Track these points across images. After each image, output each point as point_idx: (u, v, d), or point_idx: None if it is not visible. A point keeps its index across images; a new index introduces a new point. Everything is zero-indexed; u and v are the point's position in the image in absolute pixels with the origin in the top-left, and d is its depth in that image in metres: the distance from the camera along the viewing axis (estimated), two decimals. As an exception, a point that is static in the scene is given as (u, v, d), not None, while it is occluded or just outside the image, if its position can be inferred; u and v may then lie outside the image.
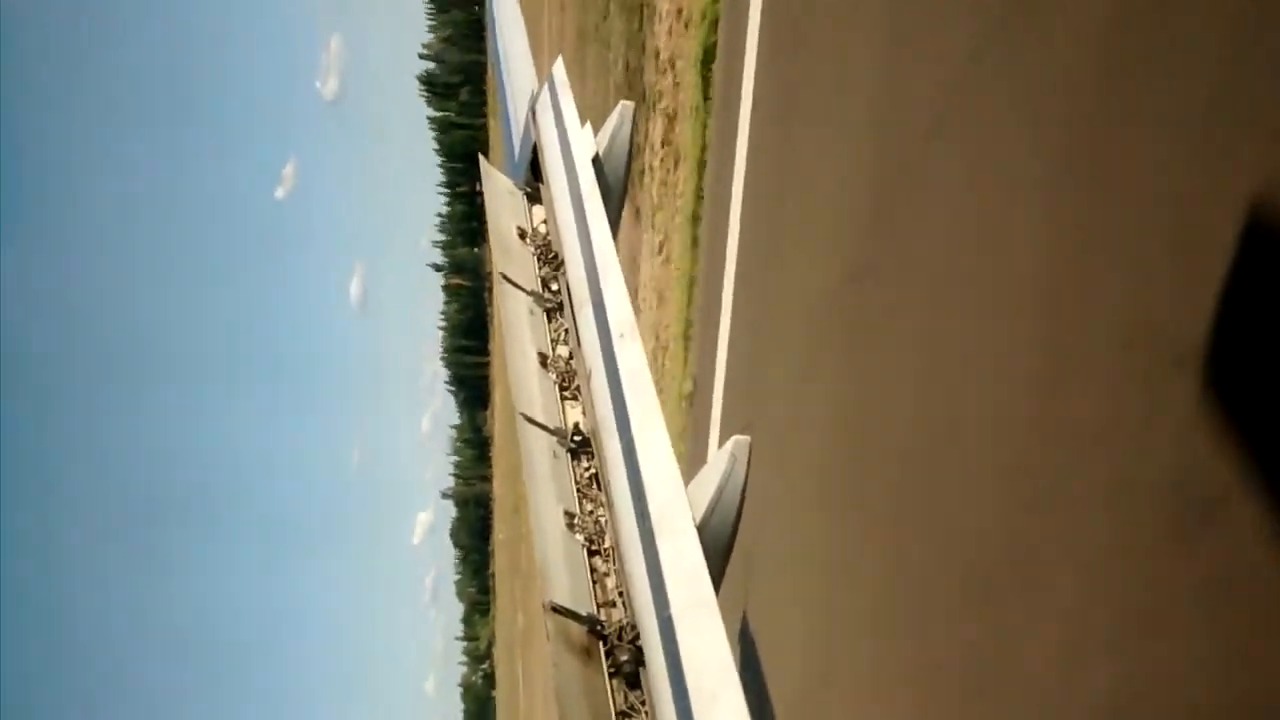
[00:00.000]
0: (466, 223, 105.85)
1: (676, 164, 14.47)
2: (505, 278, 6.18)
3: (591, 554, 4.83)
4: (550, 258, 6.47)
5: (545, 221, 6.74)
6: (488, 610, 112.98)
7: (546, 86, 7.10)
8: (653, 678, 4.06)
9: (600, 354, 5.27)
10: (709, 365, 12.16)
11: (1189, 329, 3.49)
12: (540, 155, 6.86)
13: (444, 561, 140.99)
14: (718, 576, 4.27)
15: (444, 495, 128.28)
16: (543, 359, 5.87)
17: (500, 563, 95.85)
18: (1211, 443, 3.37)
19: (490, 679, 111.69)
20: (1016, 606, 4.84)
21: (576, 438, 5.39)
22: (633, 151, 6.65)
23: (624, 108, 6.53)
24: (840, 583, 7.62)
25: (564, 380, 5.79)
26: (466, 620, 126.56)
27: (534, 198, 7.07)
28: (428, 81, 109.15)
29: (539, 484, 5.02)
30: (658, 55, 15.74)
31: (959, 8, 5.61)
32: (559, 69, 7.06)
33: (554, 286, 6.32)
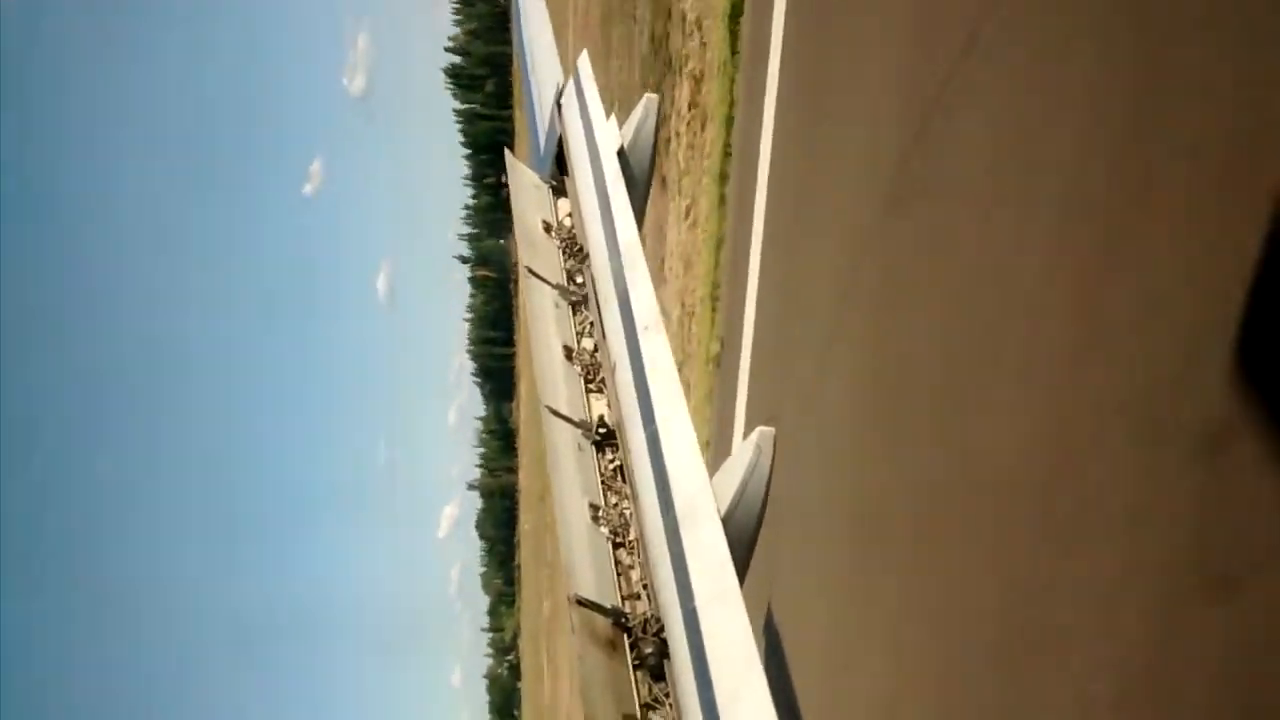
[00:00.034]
0: (492, 214, 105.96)
1: (703, 125, 14.38)
2: (531, 271, 6.21)
3: (616, 546, 4.85)
4: (575, 251, 6.49)
5: (570, 215, 6.76)
6: (513, 602, 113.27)
7: (571, 80, 7.12)
8: (677, 670, 4.08)
9: (625, 346, 5.28)
10: (736, 325, 11.99)
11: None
12: (565, 149, 6.87)
13: (470, 554, 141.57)
14: (742, 568, 4.27)
15: (470, 487, 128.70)
16: (568, 352, 5.89)
17: (525, 553, 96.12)
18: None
19: (515, 670, 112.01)
20: (1057, 573, 4.79)
21: (601, 430, 5.41)
22: (657, 144, 6.64)
23: (649, 100, 6.53)
24: (869, 540, 7.54)
25: (589, 373, 5.80)
26: (492, 612, 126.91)
27: (559, 191, 7.09)
28: (453, 74, 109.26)
29: (564, 477, 5.04)
30: (684, 18, 15.70)
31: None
32: (584, 62, 7.07)
33: (579, 279, 6.33)
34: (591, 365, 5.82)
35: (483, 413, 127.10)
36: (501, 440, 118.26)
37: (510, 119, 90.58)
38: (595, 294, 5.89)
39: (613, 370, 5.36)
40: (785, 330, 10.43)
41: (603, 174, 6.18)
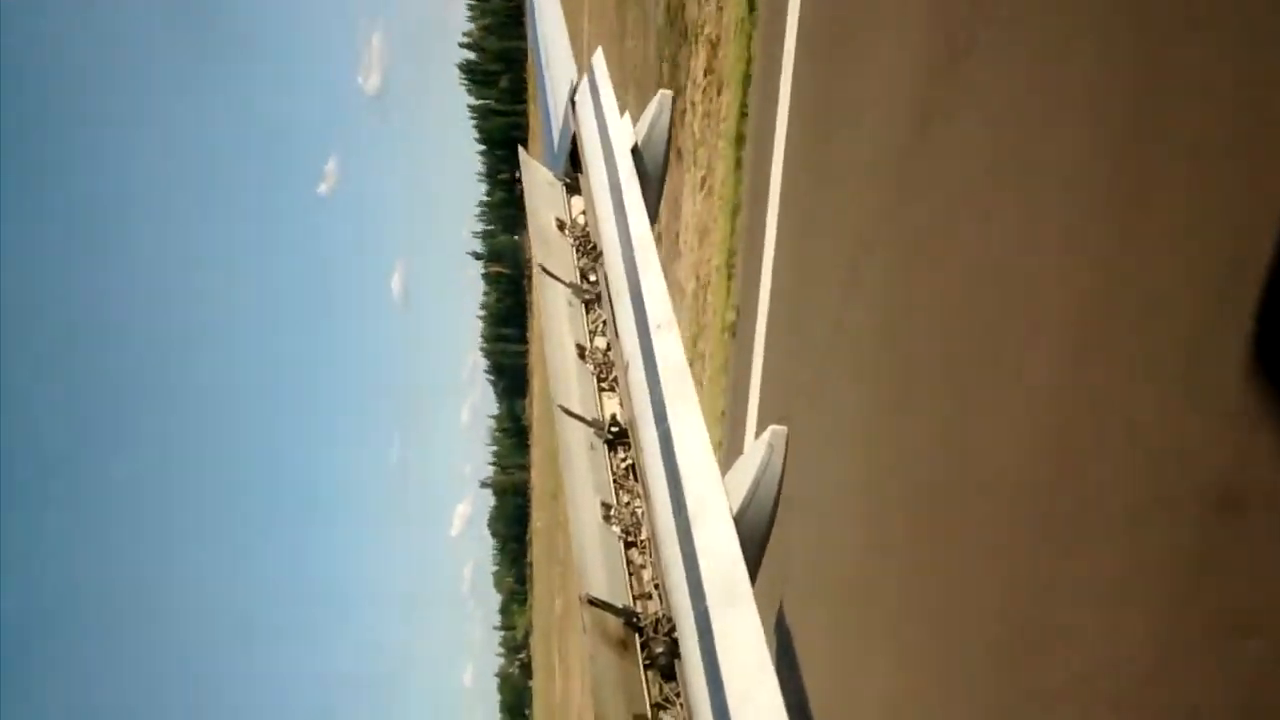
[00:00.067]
0: (506, 209, 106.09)
1: (719, 90, 14.25)
2: (544, 269, 6.20)
3: (628, 546, 4.84)
4: (589, 249, 6.48)
5: (584, 212, 6.76)
6: (525, 600, 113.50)
7: (586, 77, 7.12)
8: (688, 670, 4.07)
9: (638, 345, 5.27)
10: (752, 293, 11.83)
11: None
12: (579, 146, 6.87)
13: (482, 553, 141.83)
14: (754, 568, 4.27)
15: (483, 484, 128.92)
16: (580, 350, 5.89)
17: (537, 550, 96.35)
18: None
19: (527, 668, 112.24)
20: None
21: (614, 429, 5.40)
22: (671, 141, 6.63)
23: (662, 96, 6.52)
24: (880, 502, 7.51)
25: (602, 371, 5.80)
26: (504, 610, 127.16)
27: (573, 189, 7.09)
28: (468, 70, 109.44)
29: (576, 476, 5.04)
30: (701, -14, 15.65)
31: None
32: (598, 59, 7.06)
33: (592, 277, 6.33)
34: (604, 364, 5.81)
35: (495, 410, 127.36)
36: (514, 438, 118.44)
37: (525, 114, 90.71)
38: (608, 292, 5.88)
39: (625, 369, 5.36)
40: (802, 295, 10.22)
41: (616, 171, 6.18)
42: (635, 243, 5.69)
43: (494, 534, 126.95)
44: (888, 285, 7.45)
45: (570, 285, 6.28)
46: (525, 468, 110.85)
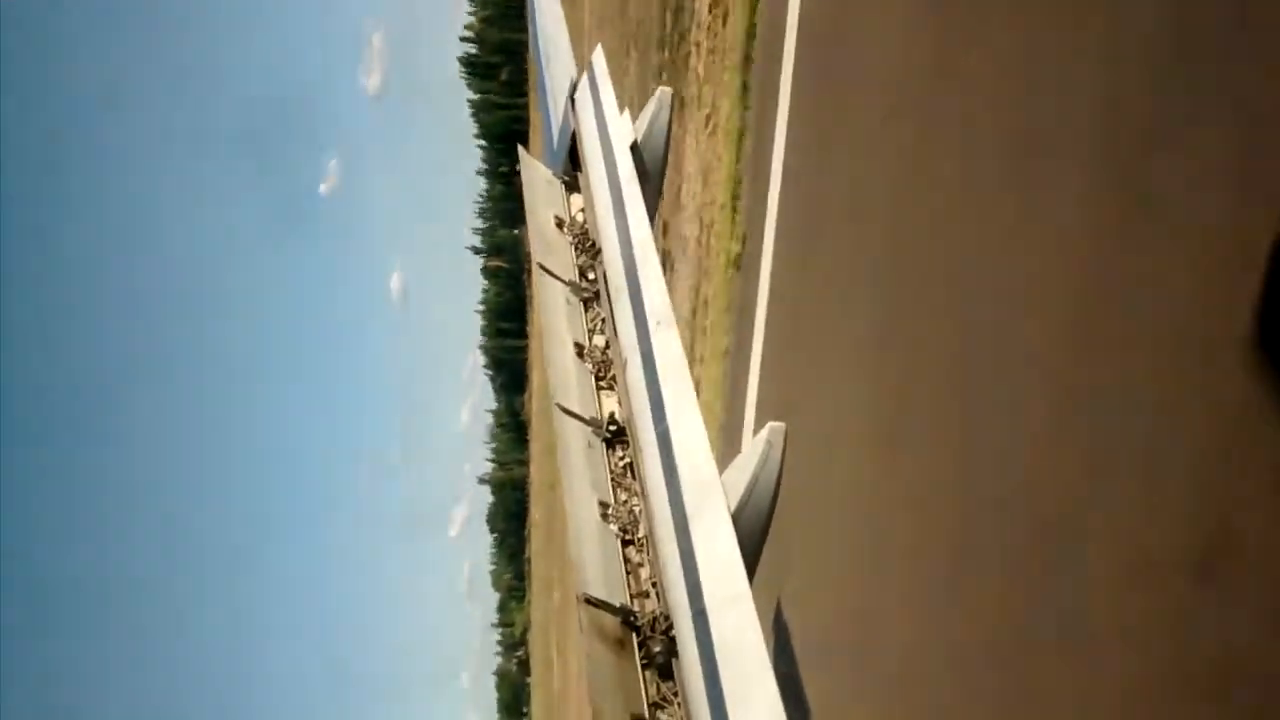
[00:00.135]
0: (506, 203, 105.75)
1: (725, 21, 14.13)
2: (543, 268, 6.20)
3: (625, 544, 4.85)
4: (588, 246, 6.48)
5: (583, 210, 6.76)
6: (523, 597, 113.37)
7: (586, 75, 7.11)
8: (686, 669, 4.08)
9: (636, 343, 5.28)
10: (759, 216, 11.65)
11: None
12: (579, 144, 6.87)
13: (480, 553, 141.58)
14: (752, 566, 4.27)
15: (481, 480, 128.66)
16: (579, 349, 5.89)
17: (536, 543, 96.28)
18: None
19: (525, 665, 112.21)
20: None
21: (612, 427, 5.40)
22: (670, 138, 6.63)
23: (662, 93, 6.53)
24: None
25: (600, 370, 5.80)
26: (502, 608, 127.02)
27: (572, 186, 7.08)
28: (468, 63, 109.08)
29: (574, 474, 5.04)
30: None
31: None
32: (598, 57, 7.06)
33: (591, 275, 6.33)
34: (603, 362, 5.82)
35: (494, 406, 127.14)
36: (513, 433, 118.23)
37: (525, 107, 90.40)
38: (607, 290, 5.88)
39: (624, 367, 5.36)
40: (810, 210, 10.04)
41: (615, 169, 6.17)
42: (634, 241, 5.69)
43: (492, 530, 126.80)
44: (897, 189, 7.39)
45: (569, 283, 6.28)
46: (524, 463, 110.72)
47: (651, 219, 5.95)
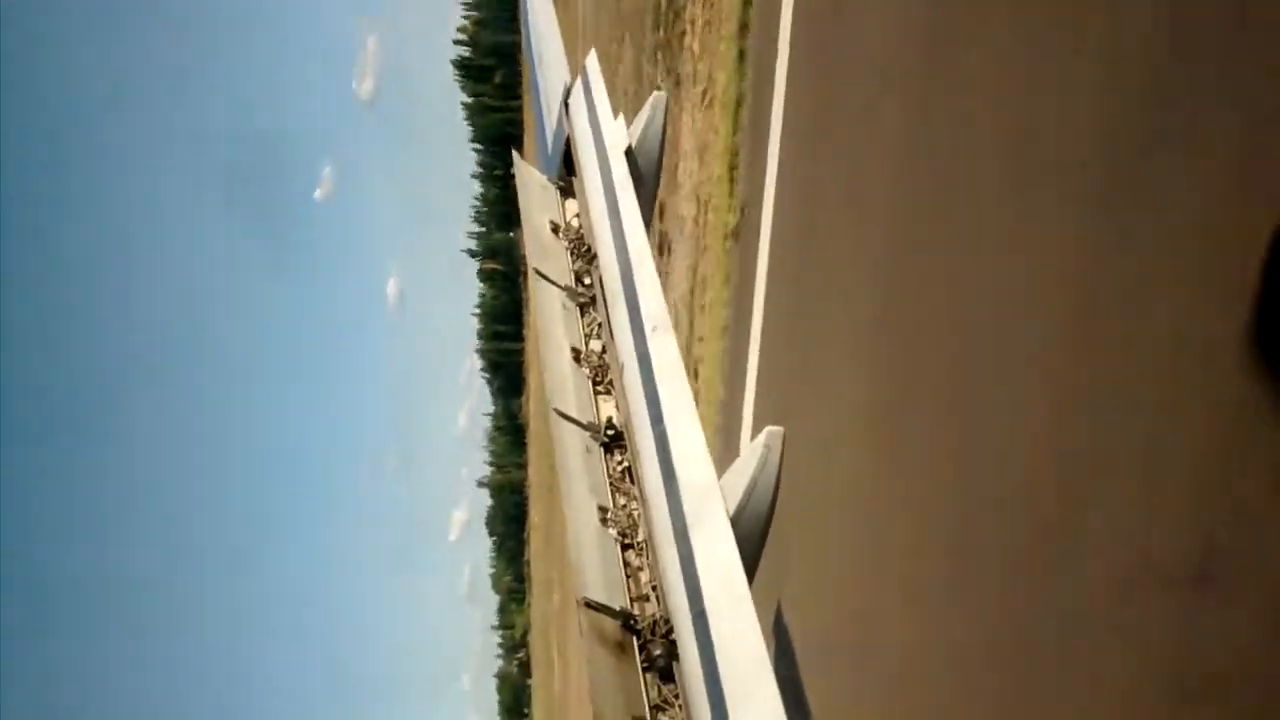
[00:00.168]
0: (501, 206, 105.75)
1: None
2: (539, 273, 6.20)
3: (625, 548, 4.84)
4: (583, 251, 6.48)
5: (578, 215, 6.76)
6: (523, 599, 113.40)
7: (579, 80, 7.11)
8: (686, 672, 4.08)
9: (633, 347, 5.28)
10: (757, 187, 11.59)
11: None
12: (573, 149, 6.87)
13: (480, 557, 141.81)
14: (751, 568, 4.27)
15: (480, 484, 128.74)
16: (576, 354, 5.89)
17: (535, 544, 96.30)
18: None
19: (525, 667, 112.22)
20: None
21: (610, 432, 5.40)
22: (665, 143, 6.63)
23: (656, 98, 6.52)
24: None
25: (597, 375, 5.80)
26: (502, 610, 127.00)
27: (567, 192, 7.08)
28: (462, 65, 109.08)
29: (572, 479, 5.04)
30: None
31: None
32: (591, 62, 7.06)
33: (587, 280, 6.33)
34: (600, 367, 5.82)
35: (491, 409, 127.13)
36: (510, 435, 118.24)
37: (519, 109, 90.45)
38: (603, 295, 5.89)
39: (621, 371, 5.37)
40: (810, 170, 9.97)
41: (610, 174, 6.17)
42: (630, 246, 5.69)
43: (492, 533, 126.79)
44: (897, 158, 7.41)
45: (565, 288, 6.28)
46: (522, 465, 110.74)
47: (647, 224, 5.95)
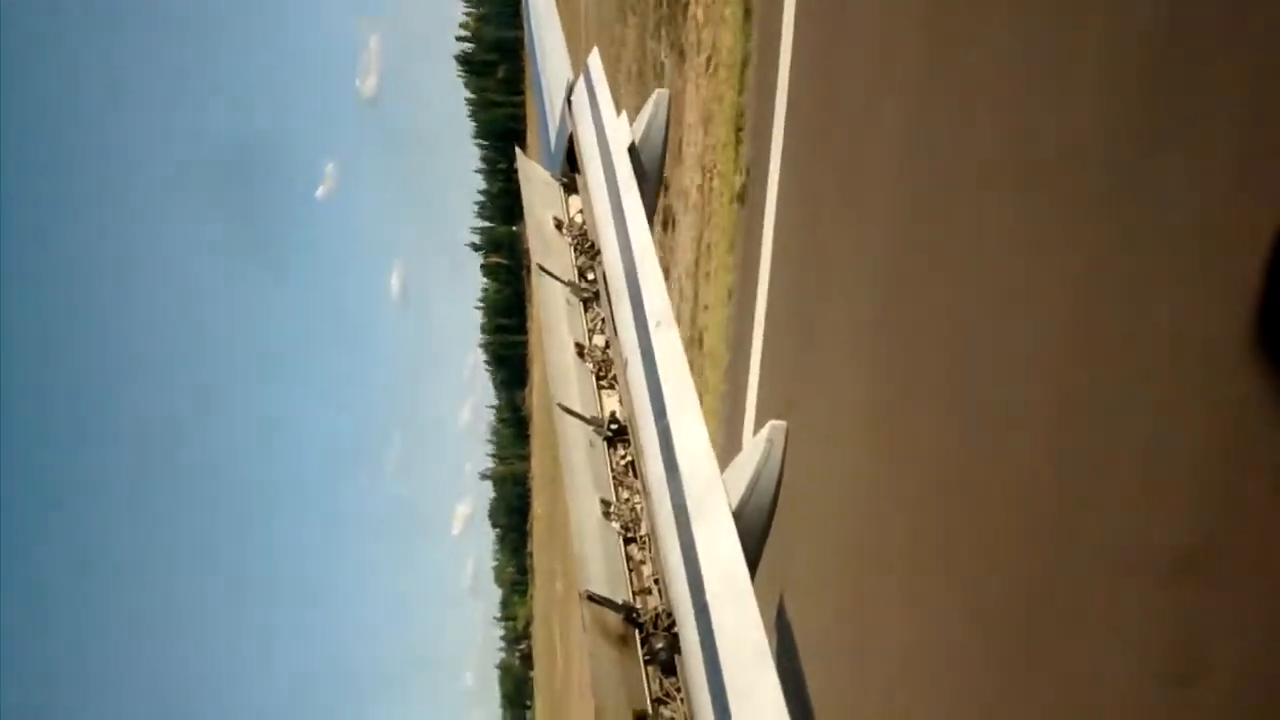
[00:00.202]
0: (504, 200, 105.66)
1: None
2: (542, 269, 6.23)
3: (627, 542, 4.88)
4: (587, 247, 6.51)
5: (582, 211, 6.78)
6: (525, 590, 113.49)
7: (582, 76, 7.13)
8: (688, 665, 4.11)
9: (637, 342, 5.31)
10: (764, 144, 11.42)
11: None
12: (576, 145, 6.89)
13: (483, 549, 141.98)
14: (754, 562, 4.30)
15: (483, 476, 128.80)
16: (580, 349, 5.92)
17: (538, 535, 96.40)
18: None
19: (528, 659, 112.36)
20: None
21: (613, 426, 5.43)
22: (668, 139, 6.66)
23: (659, 95, 6.55)
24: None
25: (600, 369, 5.83)
26: (505, 603, 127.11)
27: (570, 188, 7.11)
28: (464, 61, 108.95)
29: (576, 473, 5.07)
30: None
31: None
32: (594, 60, 7.08)
33: (590, 276, 6.36)
34: (603, 362, 5.85)
35: (495, 401, 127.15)
36: (514, 428, 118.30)
37: (521, 104, 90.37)
38: (607, 290, 5.91)
39: (624, 366, 5.40)
40: (819, 125, 9.80)
41: (614, 171, 6.20)
42: (634, 243, 5.72)
43: (495, 525, 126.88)
44: (907, 117, 7.38)
45: (569, 284, 6.31)
46: (525, 457, 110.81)
47: (650, 219, 5.97)
